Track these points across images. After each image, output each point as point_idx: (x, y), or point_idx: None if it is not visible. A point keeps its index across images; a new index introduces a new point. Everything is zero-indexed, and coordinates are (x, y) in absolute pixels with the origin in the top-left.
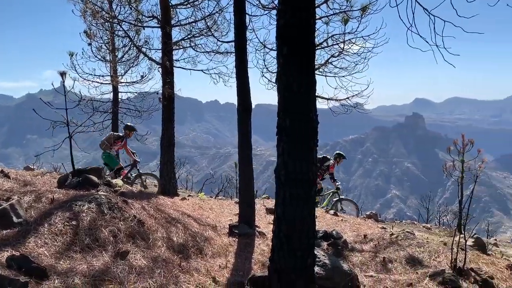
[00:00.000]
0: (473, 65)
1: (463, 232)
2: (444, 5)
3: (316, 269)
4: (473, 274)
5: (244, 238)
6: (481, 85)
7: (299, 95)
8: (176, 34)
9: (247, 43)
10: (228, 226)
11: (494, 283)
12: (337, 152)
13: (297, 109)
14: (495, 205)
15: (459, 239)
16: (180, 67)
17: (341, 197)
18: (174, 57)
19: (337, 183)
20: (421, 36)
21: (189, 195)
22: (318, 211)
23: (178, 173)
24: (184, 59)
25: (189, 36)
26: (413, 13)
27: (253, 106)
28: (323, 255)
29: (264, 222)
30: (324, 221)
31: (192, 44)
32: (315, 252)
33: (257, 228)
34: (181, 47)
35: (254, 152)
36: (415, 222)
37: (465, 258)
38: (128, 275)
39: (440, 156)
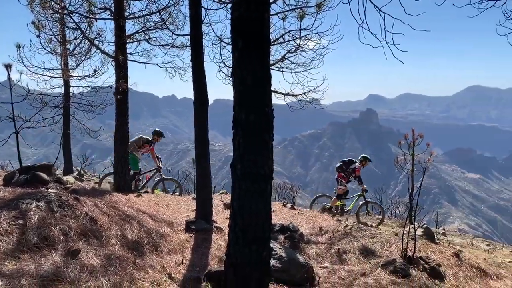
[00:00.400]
0: (423, 62)
1: (413, 222)
2: (394, 3)
3: (273, 262)
4: (422, 262)
5: (201, 234)
6: (430, 82)
7: (254, 89)
8: (130, 26)
9: (204, 37)
10: (185, 222)
11: (441, 270)
12: (363, 155)
13: (252, 103)
14: (444, 196)
15: (409, 230)
16: (134, 61)
17: (367, 200)
18: (128, 50)
19: (364, 186)
20: (371, 33)
21: (144, 192)
22: (275, 205)
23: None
24: (138, 52)
25: (143, 29)
26: (364, 10)
27: (211, 102)
28: (279, 248)
29: (222, 217)
30: (281, 214)
31: (147, 37)
32: (272, 245)
33: (214, 224)
34: (135, 40)
35: (213, 147)
36: (369, 214)
37: (414, 248)
38: (79, 274)
39: (392, 150)
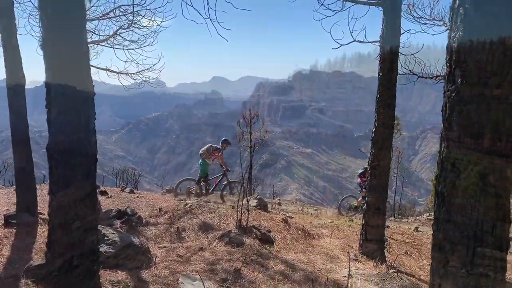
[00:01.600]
0: (261, 47)
1: (251, 195)
2: None
3: (105, 248)
4: (254, 230)
5: (24, 228)
6: (268, 65)
7: (70, 62)
8: None
9: (17, 6)
10: (3, 216)
11: (271, 236)
12: None
13: (68, 78)
14: (283, 171)
15: (242, 202)
16: None
17: None
18: None
19: None
20: (195, 9)
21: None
22: (114, 190)
23: None
24: None
25: None
26: None
27: (40, 83)
28: (112, 233)
29: None
30: (119, 199)
31: None
32: (104, 231)
33: (40, 215)
34: None
35: (45, 134)
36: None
37: (247, 217)
38: None
39: (237, 130)
